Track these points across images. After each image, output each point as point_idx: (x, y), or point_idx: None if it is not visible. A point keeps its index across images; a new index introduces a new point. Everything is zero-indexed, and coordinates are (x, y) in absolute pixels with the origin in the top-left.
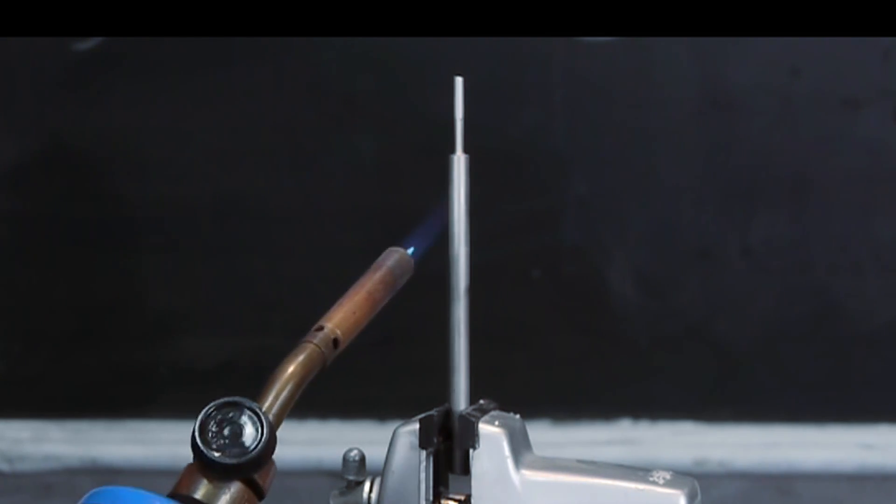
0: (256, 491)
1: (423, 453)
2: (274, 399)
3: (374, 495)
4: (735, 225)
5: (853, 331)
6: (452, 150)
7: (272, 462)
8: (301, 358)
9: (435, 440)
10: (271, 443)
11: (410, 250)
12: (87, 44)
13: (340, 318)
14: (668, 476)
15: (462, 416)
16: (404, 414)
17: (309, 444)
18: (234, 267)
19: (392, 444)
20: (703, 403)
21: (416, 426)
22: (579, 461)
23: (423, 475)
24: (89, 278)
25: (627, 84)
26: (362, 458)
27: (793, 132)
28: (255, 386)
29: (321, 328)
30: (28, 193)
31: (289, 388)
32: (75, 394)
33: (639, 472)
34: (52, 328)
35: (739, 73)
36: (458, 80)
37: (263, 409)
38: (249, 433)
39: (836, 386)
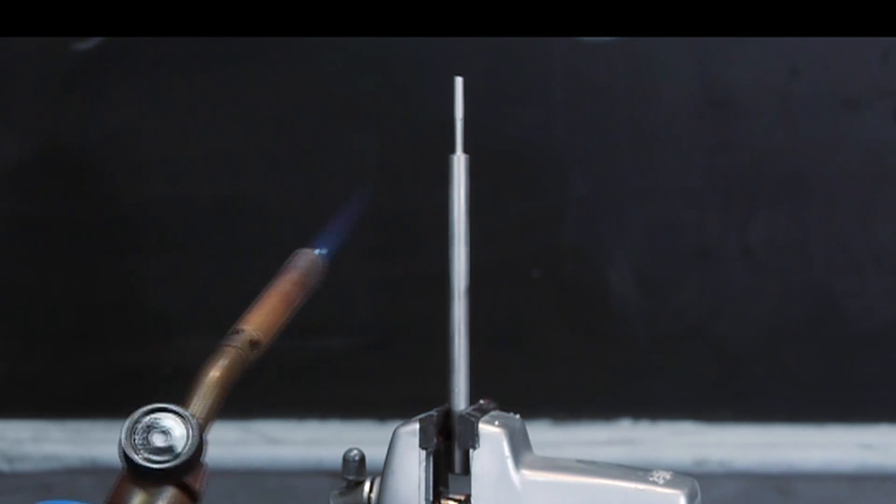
0: (191, 494)
1: (423, 453)
2: (200, 402)
3: (374, 495)
4: (735, 225)
5: (853, 331)
6: (452, 150)
7: (204, 464)
8: (223, 362)
9: (435, 440)
10: (200, 445)
11: (320, 251)
12: (87, 44)
13: (259, 321)
14: (668, 476)
15: (462, 416)
16: (404, 414)
17: (309, 444)
18: (234, 267)
19: (392, 444)
20: (703, 403)
21: (416, 426)
22: (579, 461)
23: (423, 475)
24: (89, 278)
25: (627, 84)
26: (362, 458)
27: (793, 132)
28: (251, 386)
29: (239, 331)
30: (28, 193)
31: (214, 392)
32: (75, 394)
33: (639, 472)
34: (52, 328)
35: (739, 73)
36: (458, 80)
37: (189, 413)
38: (178, 437)
39: (836, 386)
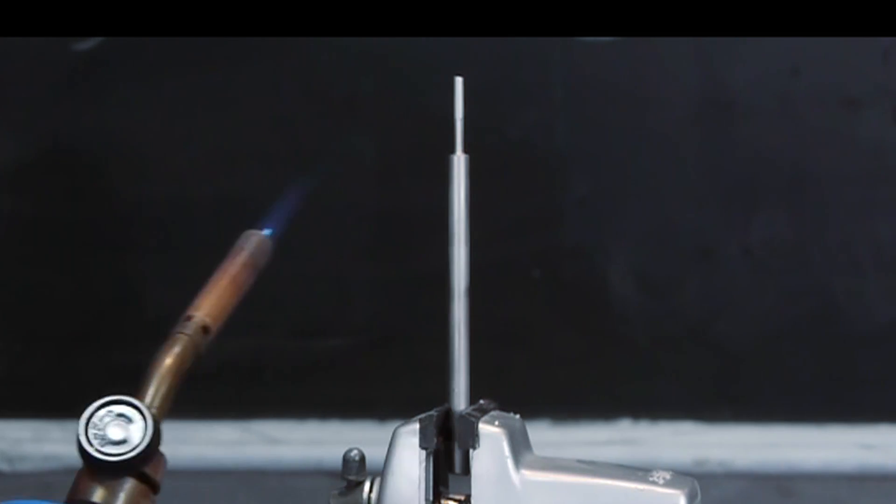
0: (150, 485)
1: (423, 453)
2: (154, 393)
3: (374, 495)
4: (735, 225)
5: (853, 331)
6: (452, 150)
7: (161, 455)
8: (176, 350)
9: (435, 440)
10: (157, 435)
11: (267, 232)
12: (87, 44)
13: (209, 306)
14: (668, 476)
15: (462, 416)
16: (404, 414)
17: (309, 444)
18: None
19: (392, 444)
20: (703, 403)
21: (416, 426)
22: (579, 461)
23: (423, 475)
24: (89, 278)
25: (627, 84)
26: (362, 458)
27: (793, 132)
28: (251, 386)
29: (190, 317)
30: (28, 193)
31: (168, 380)
32: (75, 394)
33: (639, 472)
34: (52, 328)
35: (739, 73)
36: (458, 80)
37: (145, 403)
38: (133, 428)
39: (836, 386)
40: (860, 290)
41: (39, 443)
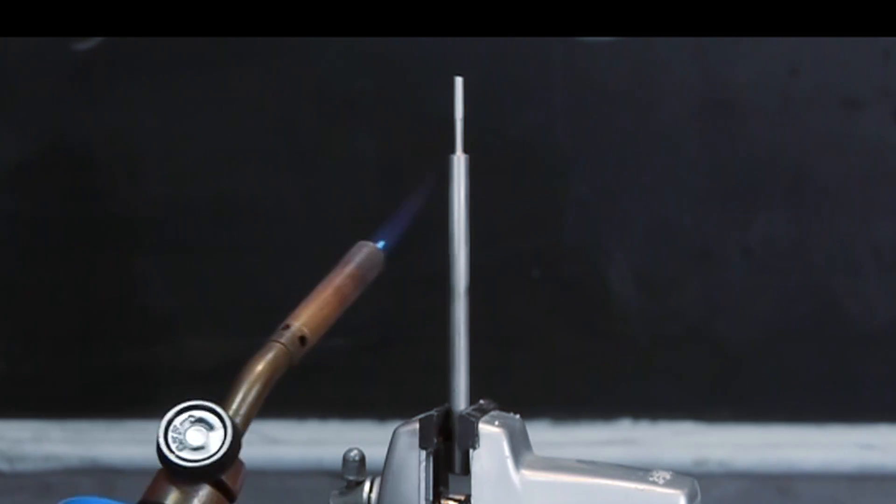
0: (226, 493)
1: (423, 453)
2: (240, 400)
3: (374, 495)
4: (735, 225)
5: (853, 331)
6: (452, 150)
7: (241, 463)
8: (267, 358)
9: (435, 440)
10: (235, 444)
11: (380, 244)
12: (87, 44)
13: (308, 316)
14: (668, 476)
15: (462, 416)
16: (404, 414)
17: (309, 444)
18: (234, 267)
19: (392, 444)
20: (703, 403)
21: (416, 426)
22: (579, 461)
23: (422, 475)
24: (89, 278)
25: (627, 84)
26: (362, 458)
27: (793, 132)
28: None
29: (288, 326)
30: (28, 193)
31: (255, 388)
32: (75, 394)
33: (639, 472)
34: (52, 328)
35: (739, 72)
36: (458, 80)
37: (230, 411)
38: (213, 435)
39: (836, 386)
40: (860, 290)
41: (39, 443)
